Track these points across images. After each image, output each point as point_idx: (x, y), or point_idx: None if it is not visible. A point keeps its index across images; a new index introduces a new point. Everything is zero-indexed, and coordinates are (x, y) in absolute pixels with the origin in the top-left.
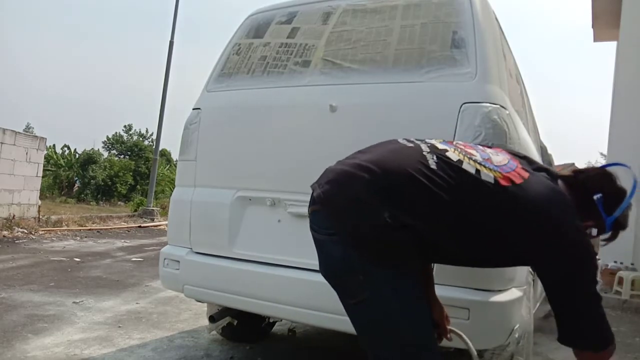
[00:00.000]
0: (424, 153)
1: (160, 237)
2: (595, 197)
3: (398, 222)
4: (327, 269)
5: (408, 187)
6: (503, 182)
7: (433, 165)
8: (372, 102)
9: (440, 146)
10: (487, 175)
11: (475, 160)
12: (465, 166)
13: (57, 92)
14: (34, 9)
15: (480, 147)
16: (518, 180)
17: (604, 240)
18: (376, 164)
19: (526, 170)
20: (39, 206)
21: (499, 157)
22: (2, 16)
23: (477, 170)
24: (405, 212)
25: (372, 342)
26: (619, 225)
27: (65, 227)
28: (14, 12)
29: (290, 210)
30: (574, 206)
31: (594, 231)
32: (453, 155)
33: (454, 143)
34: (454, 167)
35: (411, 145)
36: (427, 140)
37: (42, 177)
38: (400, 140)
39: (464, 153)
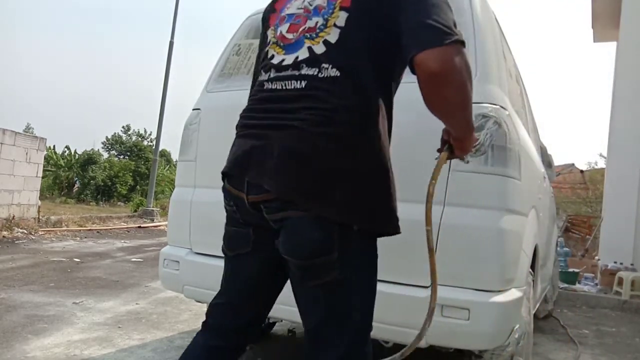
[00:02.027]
0: None
1: (160, 237)
2: None
3: None
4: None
5: None
6: None
7: None
8: None
9: None
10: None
11: None
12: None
13: (57, 92)
14: (34, 9)
15: None
16: None
17: None
18: None
19: None
20: (39, 206)
21: None
22: (2, 16)
23: None
24: None
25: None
26: None
27: (65, 228)
28: (14, 12)
29: None
30: None
31: None
32: None
33: None
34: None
35: None
36: None
37: (42, 177)
38: None
39: None
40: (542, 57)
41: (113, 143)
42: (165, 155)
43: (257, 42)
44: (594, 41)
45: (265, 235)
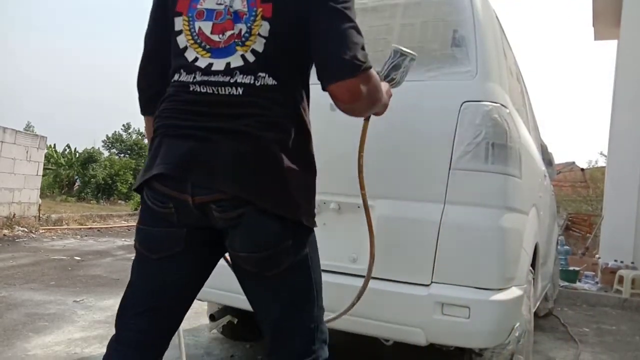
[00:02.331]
0: None
1: None
2: None
3: None
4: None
5: None
6: None
7: None
8: None
9: None
10: None
11: None
12: None
13: (57, 91)
14: (34, 8)
15: None
16: None
17: None
18: None
19: None
20: (40, 205)
21: None
22: (2, 16)
23: None
24: None
25: (301, 306)
26: None
27: (65, 226)
28: (14, 12)
29: None
30: None
31: None
32: None
33: None
34: None
35: None
36: None
37: (43, 175)
38: None
39: None
40: (542, 55)
41: (113, 141)
42: None
43: None
44: (595, 39)
45: (199, 235)
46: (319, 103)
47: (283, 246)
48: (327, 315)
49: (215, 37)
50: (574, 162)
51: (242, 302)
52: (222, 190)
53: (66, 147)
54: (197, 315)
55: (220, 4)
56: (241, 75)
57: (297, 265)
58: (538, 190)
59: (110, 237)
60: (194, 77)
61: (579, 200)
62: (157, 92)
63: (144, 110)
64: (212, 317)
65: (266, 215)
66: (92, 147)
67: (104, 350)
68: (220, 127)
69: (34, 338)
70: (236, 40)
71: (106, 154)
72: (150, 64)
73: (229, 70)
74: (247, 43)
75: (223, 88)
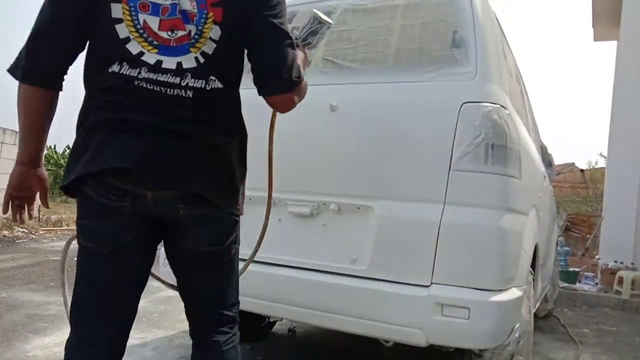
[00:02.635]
0: None
1: None
2: None
3: None
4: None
5: None
6: None
7: None
8: (373, 101)
9: None
10: None
11: None
12: None
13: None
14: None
15: None
16: None
17: None
18: None
19: None
20: (39, 206)
21: None
22: (2, 14)
23: None
24: None
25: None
26: None
27: (65, 227)
28: (13, 10)
29: (291, 209)
30: None
31: None
32: None
33: None
34: None
35: None
36: None
37: None
38: None
39: None
40: (542, 56)
41: None
42: None
43: None
44: (595, 40)
45: (148, 226)
46: (319, 103)
47: (234, 237)
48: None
49: (164, 34)
50: (573, 163)
51: (242, 303)
52: (182, 188)
53: (66, 148)
54: None
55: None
56: (193, 79)
57: (237, 251)
58: (538, 191)
59: None
60: (139, 73)
61: (578, 201)
62: (58, 66)
63: (34, 79)
64: None
65: (224, 213)
66: None
67: None
68: (175, 129)
69: (34, 339)
70: (188, 41)
71: None
72: (60, 30)
73: (180, 71)
74: (197, 45)
75: (172, 89)
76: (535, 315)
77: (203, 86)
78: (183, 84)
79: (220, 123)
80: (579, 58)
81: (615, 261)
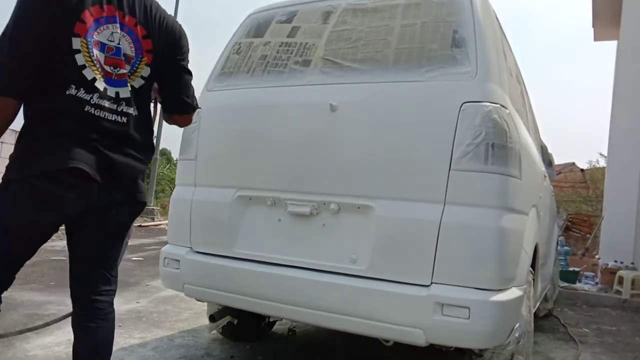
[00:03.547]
0: None
1: (160, 236)
2: None
3: None
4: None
5: None
6: None
7: None
8: (373, 101)
9: None
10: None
11: None
12: None
13: None
14: None
15: None
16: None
17: None
18: None
19: None
20: None
21: None
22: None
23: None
24: None
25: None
26: None
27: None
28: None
29: (291, 209)
30: None
31: None
32: None
33: None
34: None
35: None
36: None
37: None
38: None
39: None
40: (542, 56)
41: None
42: (165, 154)
43: (257, 40)
44: (595, 40)
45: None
46: (319, 103)
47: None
48: None
49: (108, 68)
50: (574, 163)
51: (242, 302)
52: (120, 189)
53: None
54: (197, 316)
55: (112, 40)
56: (126, 106)
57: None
58: (538, 190)
59: None
60: (91, 98)
61: (578, 200)
62: (34, 82)
63: (12, 91)
64: (212, 318)
65: (139, 202)
66: None
67: None
68: (120, 148)
69: (34, 339)
70: (126, 77)
71: None
72: (37, 50)
73: (117, 100)
74: (130, 79)
75: (112, 115)
76: (536, 314)
77: (134, 113)
78: (119, 110)
79: (143, 143)
80: (579, 57)
81: (616, 261)
